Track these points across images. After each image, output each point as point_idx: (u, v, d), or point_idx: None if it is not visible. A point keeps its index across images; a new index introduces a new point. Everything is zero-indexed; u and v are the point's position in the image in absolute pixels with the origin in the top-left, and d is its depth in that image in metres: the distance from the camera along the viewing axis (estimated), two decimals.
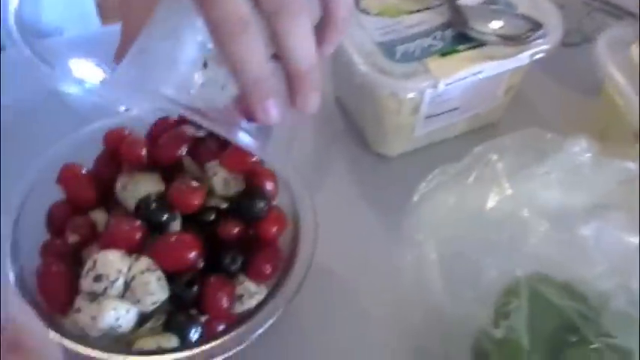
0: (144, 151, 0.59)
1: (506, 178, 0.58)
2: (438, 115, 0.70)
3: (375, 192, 0.71)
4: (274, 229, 0.58)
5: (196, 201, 0.56)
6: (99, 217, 0.58)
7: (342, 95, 0.78)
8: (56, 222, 0.59)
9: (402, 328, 0.60)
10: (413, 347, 0.60)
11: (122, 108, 0.68)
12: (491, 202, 0.58)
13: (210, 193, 0.58)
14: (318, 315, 0.62)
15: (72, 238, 0.56)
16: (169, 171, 0.59)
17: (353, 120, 0.76)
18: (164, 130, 0.61)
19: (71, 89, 0.69)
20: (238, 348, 0.53)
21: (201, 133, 0.60)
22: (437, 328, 0.57)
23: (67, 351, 0.51)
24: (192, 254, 0.54)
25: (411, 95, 0.65)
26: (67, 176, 0.59)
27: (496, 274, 0.55)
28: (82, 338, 0.52)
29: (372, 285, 0.63)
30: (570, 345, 0.50)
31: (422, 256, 0.58)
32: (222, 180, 0.58)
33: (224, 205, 0.58)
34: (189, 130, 0.60)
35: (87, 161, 0.61)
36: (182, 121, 0.61)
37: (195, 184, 0.57)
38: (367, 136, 0.74)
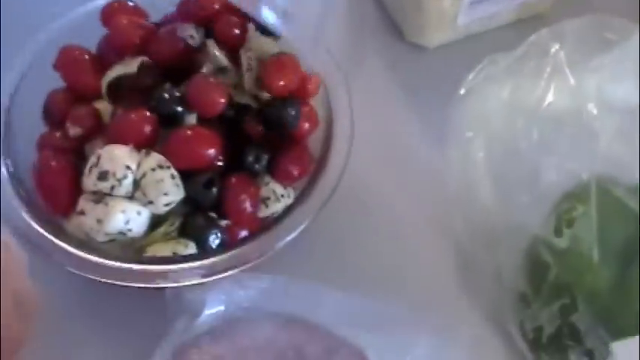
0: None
1: (569, 68, 0.51)
2: (484, 1, 0.62)
3: (413, 86, 0.63)
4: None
5: (221, 99, 0.49)
6: (103, 107, 0.51)
7: None
8: (55, 112, 0.52)
9: (444, 236, 0.54)
10: (455, 257, 0.54)
11: None
12: (551, 96, 0.51)
13: (238, 87, 0.51)
14: (351, 222, 0.55)
15: (73, 130, 0.49)
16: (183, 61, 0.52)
17: (385, 6, 0.68)
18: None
19: None
20: (262, 258, 0.47)
21: None
22: (483, 236, 0.52)
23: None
24: (211, 151, 0.48)
25: None
26: (66, 60, 0.52)
27: (556, 176, 0.48)
28: (86, 244, 0.46)
29: (412, 188, 0.57)
30: None
31: (469, 155, 0.52)
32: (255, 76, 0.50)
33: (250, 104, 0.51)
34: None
35: (90, 44, 0.54)
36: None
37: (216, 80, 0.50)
38: (403, 24, 0.66)
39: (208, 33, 0.52)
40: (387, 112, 0.62)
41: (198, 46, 0.51)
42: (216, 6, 0.52)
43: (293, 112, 0.50)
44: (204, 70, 0.50)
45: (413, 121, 0.61)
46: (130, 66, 0.50)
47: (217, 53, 0.51)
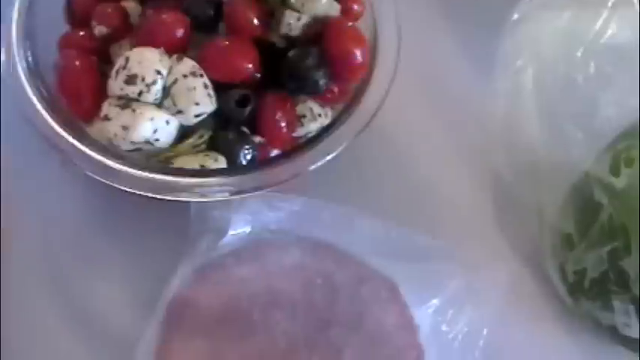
0: None
1: None
2: None
3: (458, 6, 0.59)
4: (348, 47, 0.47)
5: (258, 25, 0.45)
6: (131, 6, 0.47)
7: None
8: (79, 9, 0.48)
9: (484, 170, 0.52)
10: (495, 193, 0.52)
11: None
12: (613, 27, 0.47)
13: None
14: (388, 150, 0.52)
15: (99, 29, 0.46)
16: None
17: None
18: None
19: None
20: (294, 178, 0.44)
21: None
22: (527, 172, 0.49)
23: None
24: (249, 66, 0.44)
25: None
26: None
27: (614, 112, 0.45)
28: (109, 150, 0.43)
29: (454, 118, 0.54)
30: None
31: (518, 85, 0.49)
32: None
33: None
34: None
35: None
36: None
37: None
38: None
39: None
40: (432, 36, 0.58)
41: None
42: None
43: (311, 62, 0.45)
44: None
45: (459, 46, 0.57)
46: None
47: None
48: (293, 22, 0.45)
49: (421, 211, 0.49)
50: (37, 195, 0.49)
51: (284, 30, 0.45)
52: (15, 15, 0.46)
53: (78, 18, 0.48)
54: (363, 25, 0.48)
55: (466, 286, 0.44)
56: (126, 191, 0.43)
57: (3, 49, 0.45)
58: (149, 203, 0.45)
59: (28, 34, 0.46)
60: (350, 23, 0.46)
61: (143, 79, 0.42)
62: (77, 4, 0.48)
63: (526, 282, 0.48)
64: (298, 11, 0.44)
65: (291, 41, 0.46)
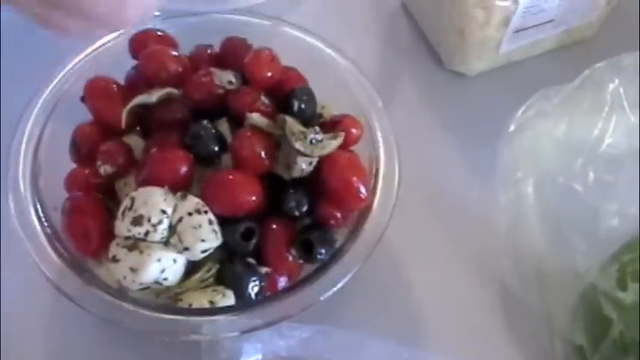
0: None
1: (629, 105, 0.48)
2: (529, 28, 0.59)
3: (454, 117, 0.61)
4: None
5: (267, 161, 0.46)
6: (134, 142, 0.48)
7: (411, 3, 0.66)
8: (83, 148, 0.49)
9: (491, 281, 0.52)
10: (503, 304, 0.51)
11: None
12: (609, 135, 0.48)
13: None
14: (395, 269, 0.53)
15: (104, 168, 0.47)
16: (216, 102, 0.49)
17: (423, 32, 0.65)
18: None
19: None
20: (305, 310, 0.44)
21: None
22: (534, 282, 0.49)
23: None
24: (252, 198, 0.45)
25: (504, 3, 0.54)
26: (94, 91, 0.49)
27: (617, 222, 0.45)
28: (118, 291, 0.43)
29: (460, 230, 0.54)
30: None
31: (519, 196, 0.49)
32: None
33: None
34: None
35: (117, 76, 0.51)
36: None
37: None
38: (442, 51, 0.63)
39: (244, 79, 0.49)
40: (428, 146, 0.59)
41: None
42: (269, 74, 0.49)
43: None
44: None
45: (457, 156, 0.58)
46: (152, 96, 0.48)
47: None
48: (305, 167, 0.45)
49: (431, 328, 0.49)
50: (44, 335, 0.49)
51: (296, 174, 0.45)
52: (21, 159, 0.47)
53: (83, 154, 0.49)
54: (362, 148, 0.49)
55: None
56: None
57: (10, 196, 0.45)
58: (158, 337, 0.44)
59: (35, 178, 0.47)
60: (348, 154, 0.47)
61: (149, 220, 0.43)
62: (82, 142, 0.49)
63: None
64: (309, 155, 0.45)
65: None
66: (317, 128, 0.46)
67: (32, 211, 0.45)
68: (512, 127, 0.50)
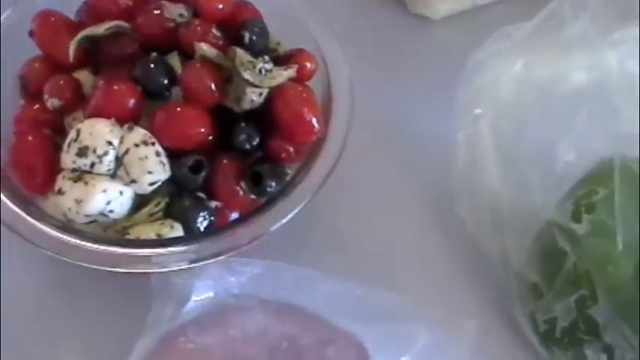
0: None
1: (589, 42, 0.47)
2: None
3: (418, 60, 0.60)
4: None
5: (216, 93, 0.45)
6: (84, 77, 0.47)
7: None
8: (32, 84, 0.48)
9: (449, 221, 0.51)
10: (460, 244, 0.51)
11: None
12: (569, 72, 0.47)
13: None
14: (349, 207, 0.52)
15: (52, 102, 0.46)
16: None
17: None
18: None
19: None
20: (254, 242, 0.43)
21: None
22: (491, 221, 0.48)
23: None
24: (201, 130, 0.44)
25: None
26: (43, 26, 0.48)
27: (574, 157, 0.45)
28: (65, 224, 0.43)
29: (415, 170, 0.54)
30: None
31: (477, 133, 0.48)
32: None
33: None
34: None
35: (68, 12, 0.50)
36: None
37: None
38: None
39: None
40: (390, 87, 0.58)
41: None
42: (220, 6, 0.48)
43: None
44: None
45: (417, 97, 0.57)
46: (101, 27, 0.47)
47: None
48: (255, 98, 0.44)
49: (385, 267, 0.49)
50: None
51: (246, 106, 0.44)
52: None
53: (32, 91, 0.48)
54: (315, 83, 0.48)
55: (433, 343, 0.43)
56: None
57: None
58: (108, 274, 0.44)
59: None
60: (300, 86, 0.46)
61: (94, 151, 0.42)
62: (30, 77, 0.48)
63: (497, 334, 0.47)
64: (258, 86, 0.44)
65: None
66: (266, 57, 0.45)
67: None
68: (471, 65, 0.50)
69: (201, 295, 0.45)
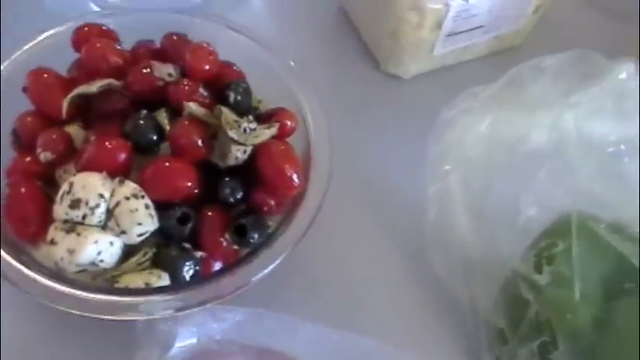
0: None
1: (549, 103, 0.51)
2: (461, 33, 0.62)
3: (389, 117, 0.63)
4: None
5: (203, 149, 0.47)
6: (74, 131, 0.49)
7: (348, 6, 0.69)
8: (24, 136, 0.50)
9: (422, 270, 0.53)
10: (433, 292, 0.53)
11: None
12: (531, 131, 0.51)
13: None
14: (327, 256, 0.54)
15: (44, 155, 0.48)
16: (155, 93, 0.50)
17: (360, 35, 0.68)
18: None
19: None
20: (238, 291, 0.45)
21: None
22: (460, 271, 0.51)
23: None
24: (188, 184, 0.46)
25: (436, 6, 0.57)
26: (36, 82, 0.50)
27: (536, 211, 0.48)
28: (55, 273, 0.44)
29: (389, 222, 0.56)
30: (626, 292, 0.43)
31: (447, 187, 0.52)
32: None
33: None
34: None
35: (60, 68, 0.52)
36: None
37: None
38: (378, 54, 0.66)
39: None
40: (365, 141, 0.61)
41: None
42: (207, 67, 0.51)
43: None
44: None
45: (390, 152, 0.60)
46: (93, 85, 0.49)
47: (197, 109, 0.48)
48: (240, 156, 0.47)
49: (361, 313, 0.51)
50: None
51: (231, 162, 0.47)
52: None
53: (24, 143, 0.50)
54: (296, 139, 0.51)
55: None
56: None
57: None
58: (95, 320, 0.45)
59: None
60: (281, 143, 0.49)
61: (87, 203, 0.44)
62: (23, 131, 0.50)
63: None
64: (243, 144, 0.46)
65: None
66: (250, 117, 0.48)
67: None
68: (440, 123, 0.53)
69: (185, 341, 0.46)
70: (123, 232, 0.45)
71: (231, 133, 0.46)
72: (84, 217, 0.44)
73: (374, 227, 0.56)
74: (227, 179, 0.47)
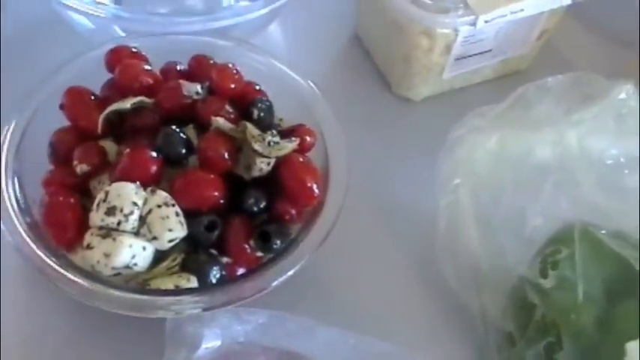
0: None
1: (553, 121, 0.54)
2: (469, 57, 0.66)
3: (401, 137, 0.66)
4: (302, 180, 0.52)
5: (229, 161, 0.51)
6: (108, 145, 0.53)
7: (362, 32, 0.73)
8: (61, 151, 0.53)
9: (434, 280, 0.56)
10: (444, 299, 0.56)
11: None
12: (536, 147, 0.54)
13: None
14: (344, 264, 0.57)
15: (80, 167, 0.51)
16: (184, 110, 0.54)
17: (373, 60, 0.72)
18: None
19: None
20: (259, 294, 0.48)
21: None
22: (470, 279, 0.54)
23: None
24: (215, 194, 0.49)
25: (445, 31, 0.61)
26: (72, 100, 0.54)
27: (541, 221, 0.51)
28: (91, 275, 0.47)
29: (402, 232, 0.60)
30: (627, 295, 0.46)
31: (457, 201, 0.55)
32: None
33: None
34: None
35: (95, 88, 0.56)
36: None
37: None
38: (390, 78, 0.69)
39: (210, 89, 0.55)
40: (379, 159, 0.64)
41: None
42: (232, 85, 0.54)
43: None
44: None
45: (402, 168, 0.63)
46: (127, 102, 0.53)
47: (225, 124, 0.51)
48: (264, 167, 0.50)
49: (376, 319, 0.53)
50: (25, 316, 0.53)
51: (255, 173, 0.50)
52: (3, 160, 0.51)
53: (60, 157, 0.53)
54: (315, 154, 0.54)
55: None
56: (106, 311, 0.47)
57: None
58: (126, 319, 0.48)
59: (17, 176, 0.51)
60: (302, 157, 0.52)
61: (121, 210, 0.47)
62: (59, 145, 0.53)
63: None
64: (266, 156, 0.50)
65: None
66: (274, 131, 0.51)
67: (13, 206, 0.50)
68: (450, 141, 0.56)
69: (211, 342, 0.49)
70: (154, 238, 0.48)
71: (256, 146, 0.49)
72: (119, 223, 0.47)
73: (388, 238, 0.59)
74: (251, 190, 0.51)
